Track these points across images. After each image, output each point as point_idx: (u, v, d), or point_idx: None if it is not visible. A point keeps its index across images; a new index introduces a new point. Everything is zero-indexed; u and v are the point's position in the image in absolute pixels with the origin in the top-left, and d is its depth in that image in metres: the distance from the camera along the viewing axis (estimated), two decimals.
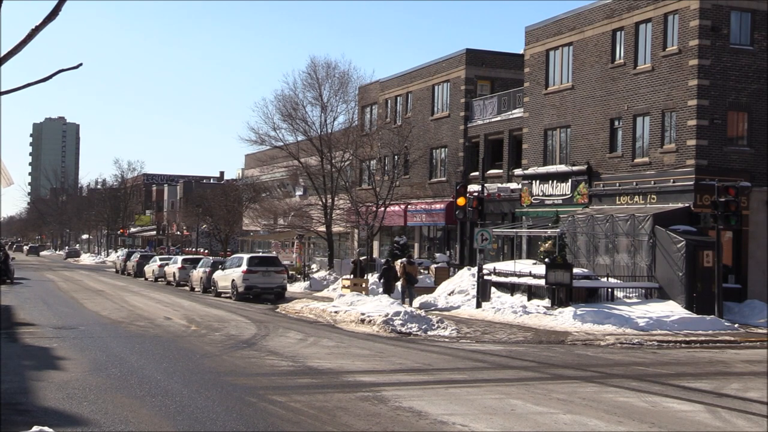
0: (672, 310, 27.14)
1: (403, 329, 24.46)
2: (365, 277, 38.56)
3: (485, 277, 31.65)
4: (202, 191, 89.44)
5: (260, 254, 50.88)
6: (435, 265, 40.40)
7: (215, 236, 75.21)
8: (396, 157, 49.41)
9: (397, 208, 48.77)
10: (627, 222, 31.21)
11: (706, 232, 29.15)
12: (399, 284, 33.40)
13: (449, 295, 33.57)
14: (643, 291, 29.81)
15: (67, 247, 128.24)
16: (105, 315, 28.49)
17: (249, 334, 23.24)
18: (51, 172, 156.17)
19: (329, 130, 49.83)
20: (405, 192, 49.51)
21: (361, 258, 43.54)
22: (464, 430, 11.47)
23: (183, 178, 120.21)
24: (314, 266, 53.24)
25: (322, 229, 50.58)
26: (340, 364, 17.56)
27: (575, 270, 29.15)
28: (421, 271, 41.40)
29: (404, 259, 35.08)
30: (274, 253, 61.48)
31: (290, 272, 45.82)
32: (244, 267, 37.74)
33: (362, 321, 26.24)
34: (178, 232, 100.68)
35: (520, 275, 31.83)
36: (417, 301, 32.54)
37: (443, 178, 46.97)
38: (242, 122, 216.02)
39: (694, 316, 26.58)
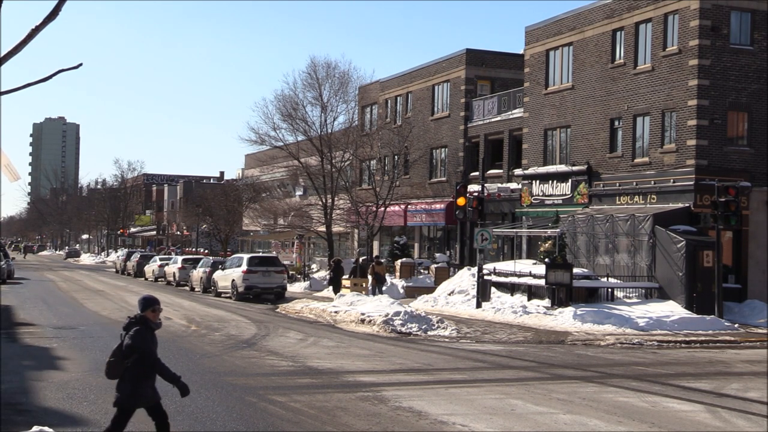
0: (672, 310, 27.13)
1: (403, 329, 24.46)
2: (342, 277, 38.78)
3: (485, 277, 31.64)
4: (202, 191, 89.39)
5: (260, 254, 50.87)
6: (435, 265, 40.40)
7: (215, 236, 75.17)
8: (396, 157, 49.41)
9: (397, 208, 48.76)
10: (627, 222, 31.20)
11: (706, 232, 29.14)
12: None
13: (449, 295, 33.56)
14: (643, 291, 29.80)
15: (67, 247, 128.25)
16: (105, 315, 28.49)
17: (249, 334, 23.25)
18: (51, 172, 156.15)
19: (329, 130, 49.84)
20: (405, 192, 49.50)
21: (362, 258, 43.58)
22: (464, 430, 11.48)
23: (183, 178, 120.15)
24: (314, 266, 53.24)
25: (322, 229, 50.58)
26: (340, 364, 17.56)
27: (575, 270, 29.14)
28: (421, 271, 41.49)
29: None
30: (274, 253, 61.46)
31: (290, 272, 45.83)
32: (244, 267, 37.72)
33: (362, 321, 26.25)
34: (178, 232, 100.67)
35: (520, 275, 31.82)
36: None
37: (443, 178, 46.96)
38: (242, 122, 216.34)
39: (694, 316, 26.57)
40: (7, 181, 26.79)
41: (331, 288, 40.84)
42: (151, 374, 8.99)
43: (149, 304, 9.12)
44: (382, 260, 38.68)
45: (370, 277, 36.68)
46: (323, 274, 47.28)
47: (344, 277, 39.13)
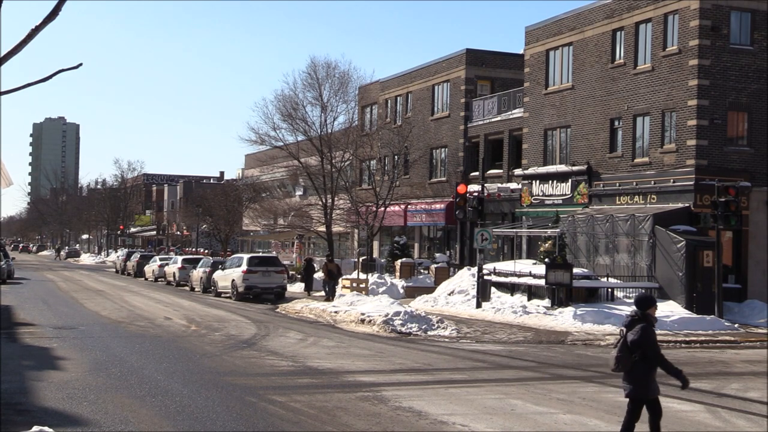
0: (672, 310, 27.13)
1: (403, 329, 24.45)
2: (312, 278, 39.14)
3: (485, 277, 31.64)
4: (202, 191, 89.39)
5: (260, 254, 50.83)
6: (435, 265, 40.38)
7: (215, 236, 75.16)
8: (396, 157, 49.40)
9: (397, 208, 48.76)
10: (627, 222, 31.20)
11: (706, 232, 29.13)
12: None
13: (449, 295, 33.55)
14: (643, 291, 29.78)
15: (67, 247, 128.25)
16: (105, 315, 28.49)
17: (249, 334, 23.24)
18: (51, 172, 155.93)
19: (329, 130, 49.83)
20: (405, 192, 49.50)
21: (362, 258, 43.60)
22: (464, 430, 11.48)
23: (183, 178, 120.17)
24: (314, 266, 53.16)
25: (322, 229, 50.57)
26: (340, 364, 17.56)
27: (575, 270, 29.13)
28: (421, 271, 41.48)
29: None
30: (274, 253, 61.45)
31: (290, 272, 45.83)
32: (244, 267, 37.70)
33: (362, 321, 26.24)
34: (178, 232, 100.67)
35: (520, 275, 31.81)
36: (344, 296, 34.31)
37: (443, 178, 46.96)
38: (242, 122, 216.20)
39: (694, 316, 26.57)
40: (1, 186, 26.66)
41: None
42: (655, 369, 9.67)
43: (651, 302, 9.93)
44: (332, 259, 39.39)
45: (323, 274, 37.52)
46: (323, 273, 47.27)
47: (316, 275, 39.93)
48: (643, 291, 29.64)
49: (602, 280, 30.41)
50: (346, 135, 50.58)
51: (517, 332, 24.80)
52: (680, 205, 30.58)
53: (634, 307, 9.94)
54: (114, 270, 70.45)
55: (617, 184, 33.87)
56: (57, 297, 37.19)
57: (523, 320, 27.54)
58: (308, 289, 39.99)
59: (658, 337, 24.64)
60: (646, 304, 9.85)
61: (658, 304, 29.71)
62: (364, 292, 35.15)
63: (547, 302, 29.17)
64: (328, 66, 50.19)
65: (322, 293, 36.97)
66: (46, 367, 16.58)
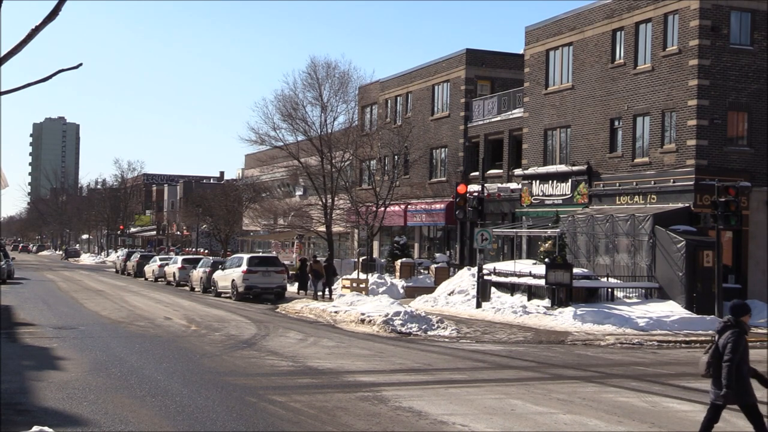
0: (672, 310, 27.14)
1: (403, 329, 24.46)
2: (308, 278, 39.27)
3: (485, 277, 31.64)
4: (202, 191, 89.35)
5: (260, 254, 50.84)
6: (435, 265, 40.40)
7: (215, 236, 75.15)
8: (396, 157, 49.41)
9: (397, 208, 48.76)
10: (627, 222, 31.21)
11: (706, 232, 29.14)
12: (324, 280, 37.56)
13: (449, 295, 33.56)
14: (643, 291, 29.80)
15: (66, 247, 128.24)
16: (105, 315, 28.48)
17: (249, 334, 23.25)
18: (51, 172, 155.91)
19: (329, 130, 49.81)
20: (405, 192, 49.50)
21: (362, 258, 43.54)
22: (464, 430, 11.48)
23: (183, 178, 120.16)
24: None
25: (322, 229, 50.56)
26: (340, 364, 17.57)
27: (575, 270, 29.14)
28: (421, 271, 41.48)
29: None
30: (274, 253, 61.45)
31: (290, 272, 45.84)
32: (244, 267, 37.71)
33: (362, 321, 26.24)
34: (178, 232, 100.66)
35: (520, 275, 31.82)
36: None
37: (443, 178, 46.97)
38: (242, 122, 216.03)
39: (694, 316, 26.57)
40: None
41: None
42: (749, 374, 9.86)
43: (746, 310, 10.18)
44: (319, 260, 39.46)
45: (309, 274, 37.98)
46: None
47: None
48: (643, 291, 29.73)
49: (602, 280, 30.41)
50: (346, 135, 50.56)
51: (517, 332, 24.81)
52: (680, 205, 30.58)
53: (728, 315, 10.16)
54: (114, 270, 70.43)
55: (617, 184, 33.87)
56: (57, 297, 37.19)
57: (523, 320, 27.54)
58: (303, 288, 40.12)
59: (658, 337, 24.66)
60: (741, 311, 10.01)
61: (657, 304, 29.76)
62: (364, 292, 35.17)
63: (547, 302, 29.17)
64: (328, 66, 50.19)
65: (319, 293, 37.22)
66: (46, 367, 16.58)
